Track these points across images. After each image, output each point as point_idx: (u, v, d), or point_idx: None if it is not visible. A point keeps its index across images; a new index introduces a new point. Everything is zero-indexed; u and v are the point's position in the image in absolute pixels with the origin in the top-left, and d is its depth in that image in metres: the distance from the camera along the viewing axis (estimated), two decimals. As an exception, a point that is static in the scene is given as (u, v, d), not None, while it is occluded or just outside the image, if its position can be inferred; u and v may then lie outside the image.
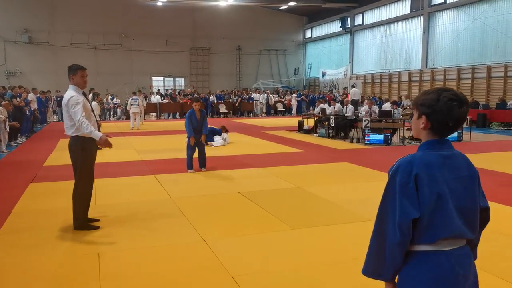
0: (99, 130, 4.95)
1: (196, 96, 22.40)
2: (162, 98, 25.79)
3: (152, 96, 25.84)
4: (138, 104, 17.97)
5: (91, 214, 5.12)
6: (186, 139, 8.25)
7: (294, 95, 27.95)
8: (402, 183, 1.70)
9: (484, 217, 1.86)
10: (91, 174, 4.88)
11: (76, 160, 4.75)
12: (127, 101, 19.91)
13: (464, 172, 1.77)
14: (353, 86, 22.80)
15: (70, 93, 4.69)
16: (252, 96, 27.16)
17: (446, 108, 1.70)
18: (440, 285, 1.68)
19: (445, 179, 1.70)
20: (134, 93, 19.23)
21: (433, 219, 1.68)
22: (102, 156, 10.05)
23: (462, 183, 1.74)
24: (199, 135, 8.16)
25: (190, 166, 8.20)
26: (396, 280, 1.77)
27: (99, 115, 24.13)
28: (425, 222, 1.68)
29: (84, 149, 4.72)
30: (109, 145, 4.77)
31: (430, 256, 1.70)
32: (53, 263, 3.90)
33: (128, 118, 24.04)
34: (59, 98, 22.12)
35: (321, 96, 24.96)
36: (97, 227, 4.83)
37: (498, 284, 3.40)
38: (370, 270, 1.81)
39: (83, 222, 4.81)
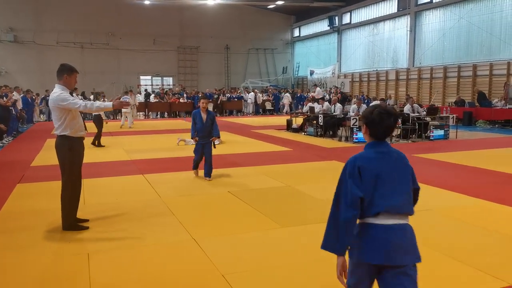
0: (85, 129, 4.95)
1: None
2: (147, 98, 25.56)
3: (138, 95, 25.67)
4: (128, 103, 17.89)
5: (80, 214, 5.11)
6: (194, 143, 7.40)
7: (287, 94, 27.95)
8: (350, 174, 2.28)
9: (415, 196, 2.43)
10: (79, 174, 4.85)
11: (64, 160, 4.71)
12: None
13: (398, 163, 2.34)
14: (315, 86, 23.17)
15: (58, 91, 4.66)
16: (241, 95, 27.17)
17: (378, 119, 2.31)
18: (378, 250, 2.20)
19: (382, 168, 2.28)
20: (126, 93, 19.19)
21: (373, 198, 2.24)
22: (91, 156, 9.97)
23: (396, 171, 2.31)
24: (206, 139, 7.17)
25: (194, 167, 7.47)
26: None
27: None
28: (368, 201, 2.24)
29: (71, 149, 4.69)
30: (125, 105, 4.88)
31: (373, 227, 2.25)
32: (42, 263, 3.88)
33: (115, 117, 23.93)
34: (47, 98, 21.91)
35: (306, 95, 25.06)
36: (86, 227, 4.81)
37: (480, 277, 3.47)
38: (328, 245, 2.32)
39: (72, 222, 4.78)
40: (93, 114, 11.81)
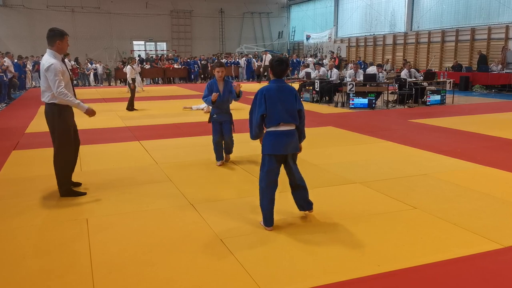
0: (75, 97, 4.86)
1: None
2: (141, 64, 25.16)
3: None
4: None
5: (77, 180, 5.14)
6: (209, 120, 6.10)
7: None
8: (259, 98, 3.71)
9: (300, 114, 3.83)
10: (70, 140, 4.77)
11: (54, 128, 4.65)
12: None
13: (287, 92, 3.76)
14: (266, 52, 23.42)
15: (50, 60, 4.52)
16: (238, 61, 26.82)
17: (275, 65, 3.75)
18: (276, 142, 3.71)
19: (278, 95, 3.69)
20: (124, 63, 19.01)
21: (272, 113, 3.68)
22: (86, 123, 9.90)
23: (286, 97, 3.72)
24: (225, 116, 5.98)
25: (219, 157, 6.10)
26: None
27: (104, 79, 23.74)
28: (268, 115, 3.69)
29: (60, 116, 4.61)
30: (94, 114, 4.78)
31: (272, 131, 3.72)
32: (41, 229, 3.90)
33: (109, 83, 23.69)
34: (39, 63, 21.58)
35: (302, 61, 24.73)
36: (84, 193, 4.82)
37: (474, 240, 3.53)
38: (252, 136, 3.84)
39: (68, 188, 4.79)
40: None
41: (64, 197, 4.72)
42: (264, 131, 3.78)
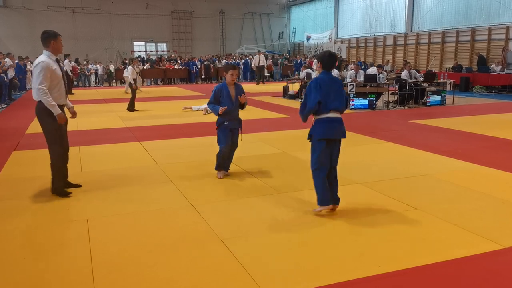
0: (67, 98, 4.91)
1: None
2: (144, 64, 25.22)
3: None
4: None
5: (77, 181, 5.17)
6: (217, 126, 5.42)
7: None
8: (314, 86, 4.06)
9: (347, 100, 4.48)
10: (59, 140, 4.79)
11: (45, 126, 4.70)
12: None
13: (337, 82, 4.21)
14: (260, 52, 23.61)
15: (41, 58, 4.61)
16: (238, 61, 26.82)
17: (327, 59, 4.15)
18: (328, 128, 4.09)
19: (330, 85, 4.07)
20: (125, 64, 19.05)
21: (325, 101, 4.03)
22: (87, 124, 9.92)
23: (337, 86, 4.14)
24: (236, 124, 5.42)
25: (226, 167, 5.53)
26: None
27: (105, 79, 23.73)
28: (323, 103, 4.03)
29: (50, 115, 4.63)
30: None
31: (325, 118, 4.08)
32: (41, 229, 3.90)
33: (110, 84, 23.73)
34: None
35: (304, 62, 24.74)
36: (69, 193, 4.85)
37: (474, 240, 3.53)
38: (305, 119, 4.22)
39: (58, 187, 4.82)
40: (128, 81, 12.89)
41: (53, 194, 4.79)
42: (313, 119, 4.17)
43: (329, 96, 4.02)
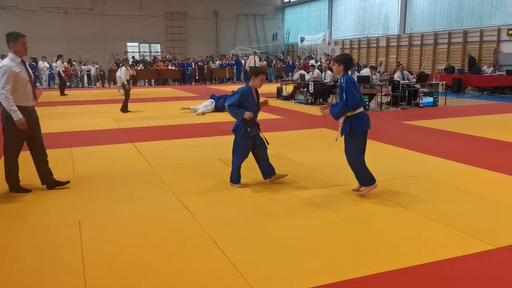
0: (36, 100, 4.92)
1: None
2: (135, 66, 25.11)
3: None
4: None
5: (70, 182, 5.17)
6: (236, 135, 5.08)
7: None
8: (352, 85, 4.50)
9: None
10: (16, 142, 4.79)
11: (3, 126, 4.72)
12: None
13: (357, 81, 5.63)
14: (254, 53, 23.72)
15: (4, 62, 4.62)
16: (232, 63, 26.80)
17: (350, 62, 4.66)
18: (366, 120, 4.64)
19: (357, 84, 4.61)
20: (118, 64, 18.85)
21: (360, 98, 4.56)
22: (79, 125, 9.87)
23: (358, 85, 4.88)
24: (257, 129, 5.17)
25: (238, 178, 5.13)
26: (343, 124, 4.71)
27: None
28: (358, 99, 4.52)
29: (10, 118, 4.61)
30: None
31: (363, 112, 4.63)
32: (33, 232, 3.87)
33: (103, 85, 23.60)
34: (32, 64, 21.56)
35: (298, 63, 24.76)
36: (29, 190, 4.91)
37: (467, 241, 3.56)
38: (336, 117, 4.64)
39: (14, 184, 4.90)
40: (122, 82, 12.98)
41: (12, 192, 4.88)
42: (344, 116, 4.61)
43: (359, 93, 4.56)
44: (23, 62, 4.76)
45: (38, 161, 5.05)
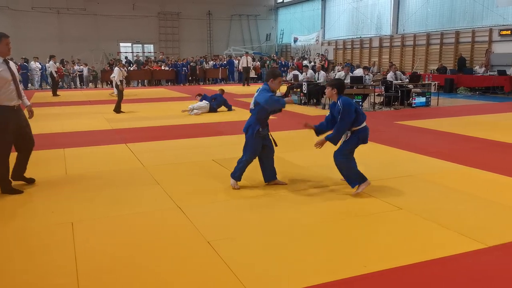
0: (21, 98, 4.89)
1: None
2: (131, 65, 25.07)
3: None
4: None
5: (62, 184, 5.12)
6: (248, 134, 5.05)
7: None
8: (348, 105, 4.65)
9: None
10: (5, 146, 4.77)
11: None
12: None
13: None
14: (247, 54, 23.89)
15: None
16: (225, 63, 26.78)
17: (341, 86, 4.86)
18: (364, 137, 4.82)
19: (350, 103, 4.74)
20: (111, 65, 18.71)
21: (357, 117, 4.70)
22: (72, 125, 9.82)
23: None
24: (267, 128, 5.14)
25: (239, 177, 5.09)
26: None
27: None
28: (356, 118, 4.68)
29: None
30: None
31: (361, 128, 4.78)
32: (26, 233, 3.85)
33: (96, 85, 23.44)
34: (24, 65, 21.46)
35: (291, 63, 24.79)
36: (21, 191, 4.88)
37: (460, 240, 3.58)
38: (335, 140, 4.81)
39: (6, 186, 4.86)
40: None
41: (3, 193, 4.83)
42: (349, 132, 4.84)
43: (358, 111, 4.77)
44: (5, 61, 4.75)
45: (21, 156, 5.06)
